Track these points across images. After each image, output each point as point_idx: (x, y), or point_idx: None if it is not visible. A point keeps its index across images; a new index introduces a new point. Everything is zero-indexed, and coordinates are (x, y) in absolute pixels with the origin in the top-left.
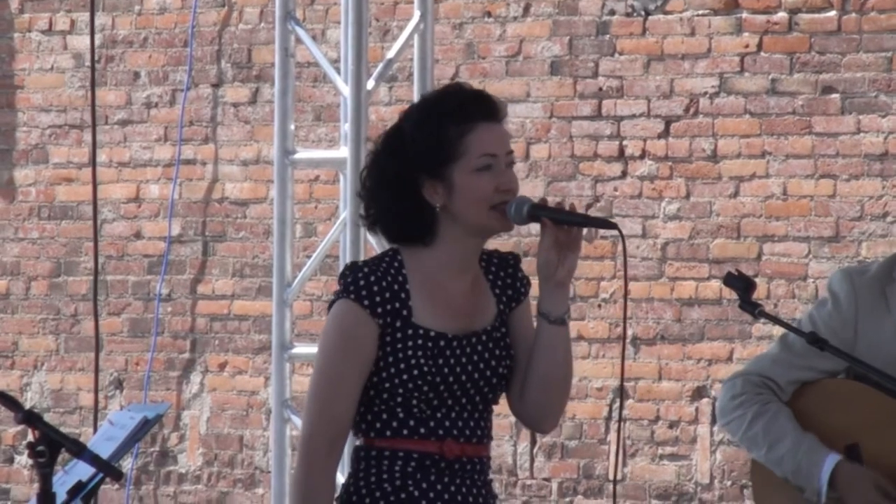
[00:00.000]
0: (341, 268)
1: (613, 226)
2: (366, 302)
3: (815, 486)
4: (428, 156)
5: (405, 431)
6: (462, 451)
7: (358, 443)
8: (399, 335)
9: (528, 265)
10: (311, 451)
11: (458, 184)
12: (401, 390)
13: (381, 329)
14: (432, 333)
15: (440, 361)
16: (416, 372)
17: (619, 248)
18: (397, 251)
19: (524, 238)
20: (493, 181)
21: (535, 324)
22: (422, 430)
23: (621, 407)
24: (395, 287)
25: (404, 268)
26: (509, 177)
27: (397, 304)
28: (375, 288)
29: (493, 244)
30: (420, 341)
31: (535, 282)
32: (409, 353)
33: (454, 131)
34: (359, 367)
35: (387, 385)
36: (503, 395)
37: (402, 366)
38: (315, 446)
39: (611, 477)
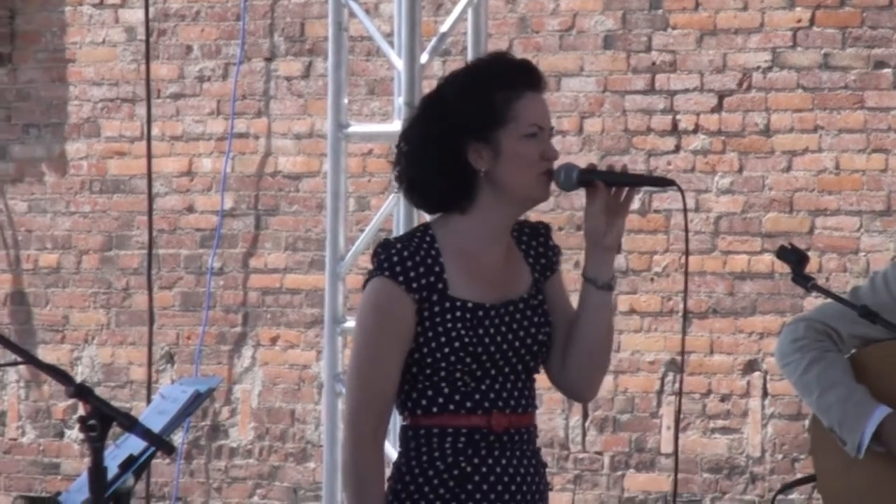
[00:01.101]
0: None
1: (671, 182)
2: (400, 278)
3: (858, 437)
4: (475, 119)
5: (451, 406)
6: (509, 422)
7: (405, 423)
8: (437, 309)
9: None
10: (357, 429)
11: (506, 149)
12: (443, 364)
13: (418, 304)
14: (470, 305)
15: (480, 332)
16: (457, 344)
17: (672, 222)
18: (428, 226)
19: (565, 211)
20: (539, 147)
21: (567, 295)
22: (468, 404)
23: (681, 380)
24: (429, 261)
25: (437, 242)
26: (552, 147)
27: (432, 279)
28: (409, 263)
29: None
30: (458, 313)
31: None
32: (449, 325)
33: (501, 96)
34: (398, 344)
35: (429, 360)
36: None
37: (443, 339)
38: (361, 425)
39: (663, 450)
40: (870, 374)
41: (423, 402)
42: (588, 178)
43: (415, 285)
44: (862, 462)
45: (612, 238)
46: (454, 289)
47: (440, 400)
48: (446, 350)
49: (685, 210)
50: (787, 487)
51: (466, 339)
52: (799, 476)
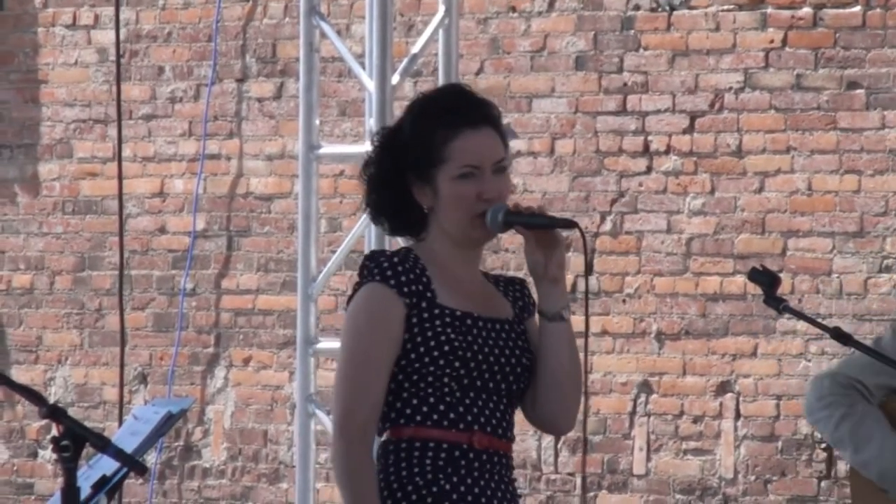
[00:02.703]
0: None
1: (574, 224)
2: (392, 282)
3: None
4: (416, 157)
5: (435, 416)
6: (490, 443)
7: (383, 438)
8: (426, 315)
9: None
10: (347, 432)
11: (442, 189)
12: (431, 368)
13: (408, 309)
14: (458, 313)
15: (469, 338)
16: (446, 347)
17: (644, 243)
18: (410, 249)
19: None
20: (474, 188)
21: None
22: (451, 416)
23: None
24: (417, 271)
25: (421, 260)
26: (493, 184)
27: (421, 287)
28: (399, 269)
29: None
30: (448, 319)
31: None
32: (438, 329)
33: (440, 136)
34: (388, 347)
35: (416, 366)
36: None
37: (432, 343)
38: (350, 427)
39: (635, 472)
40: None
41: (407, 411)
42: (510, 221)
43: (405, 290)
44: None
45: (553, 270)
46: (442, 299)
47: (424, 409)
48: (435, 353)
49: (585, 249)
50: None
51: (456, 344)
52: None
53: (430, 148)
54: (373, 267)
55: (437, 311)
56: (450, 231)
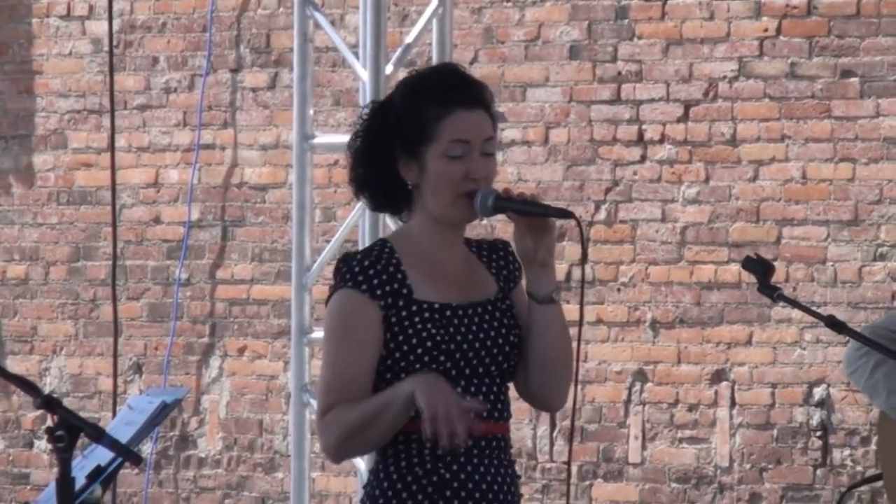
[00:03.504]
0: None
1: (571, 215)
2: (364, 287)
3: None
4: (405, 134)
5: None
6: (486, 428)
7: None
8: (404, 313)
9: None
10: (326, 438)
11: (429, 166)
12: (417, 366)
13: (384, 311)
14: (436, 305)
15: (451, 330)
16: (429, 343)
17: (638, 232)
18: (385, 240)
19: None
20: (462, 168)
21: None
22: None
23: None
24: (391, 269)
25: (396, 253)
26: (482, 165)
27: (396, 285)
28: (371, 272)
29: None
30: (427, 314)
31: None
32: (419, 326)
33: (431, 113)
34: (367, 352)
35: (402, 364)
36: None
37: (414, 340)
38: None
39: (631, 460)
40: None
41: None
42: (501, 206)
43: (379, 292)
44: None
45: (542, 255)
46: (419, 293)
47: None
48: (419, 351)
49: (583, 241)
50: (855, 486)
51: (438, 338)
52: (765, 483)
53: (420, 124)
54: (345, 272)
55: (414, 308)
56: (433, 210)
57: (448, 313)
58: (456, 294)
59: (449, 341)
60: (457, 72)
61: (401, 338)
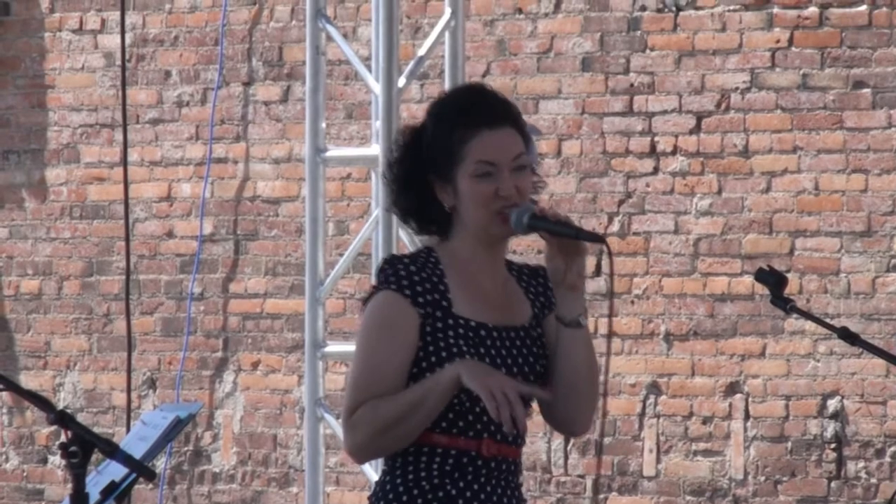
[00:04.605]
0: (374, 265)
1: (602, 240)
2: (407, 291)
3: None
4: (436, 158)
5: (444, 424)
6: (498, 450)
7: None
8: (440, 325)
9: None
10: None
11: (461, 188)
12: None
13: (422, 319)
14: (473, 323)
15: (481, 350)
16: (457, 360)
17: (652, 244)
18: (432, 249)
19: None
20: (491, 187)
21: None
22: (460, 424)
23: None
24: (434, 279)
25: (440, 263)
26: (512, 182)
27: (437, 296)
28: (416, 278)
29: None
30: (461, 330)
31: None
32: (451, 341)
33: (458, 135)
34: (401, 354)
35: (427, 375)
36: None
37: (444, 354)
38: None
39: (645, 473)
40: None
41: None
42: (535, 225)
43: (420, 300)
44: None
45: (572, 278)
46: (458, 307)
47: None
48: (447, 365)
49: (612, 267)
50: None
51: (467, 357)
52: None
53: (448, 147)
54: (390, 273)
55: (451, 322)
56: (471, 229)
57: (483, 333)
58: (492, 315)
59: (479, 360)
60: (480, 91)
61: (431, 348)
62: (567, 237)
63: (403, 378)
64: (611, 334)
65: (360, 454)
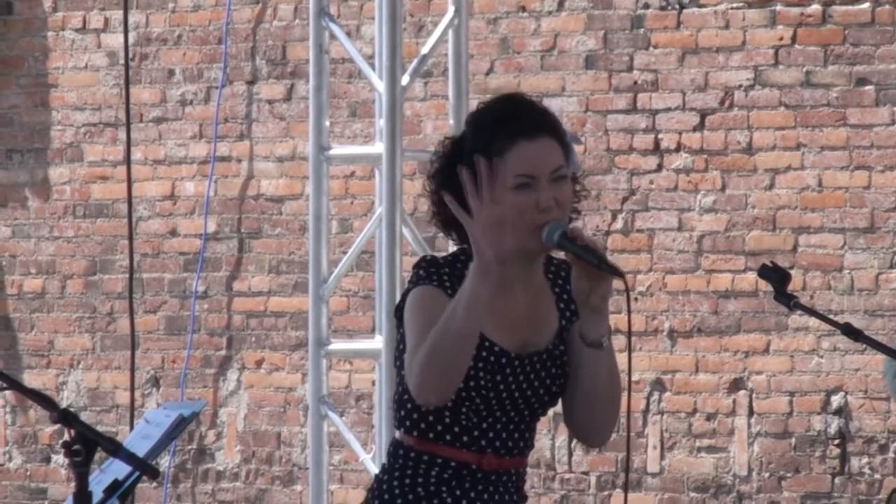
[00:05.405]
0: (377, 263)
1: (620, 275)
2: (449, 291)
3: None
4: (474, 169)
5: (448, 437)
6: (500, 464)
7: (397, 436)
8: None
9: None
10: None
11: (501, 199)
12: (453, 398)
13: None
14: (496, 349)
15: (498, 378)
16: (472, 384)
17: (655, 241)
18: (470, 255)
19: None
20: (531, 198)
21: None
22: (464, 439)
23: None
24: None
25: None
26: (552, 194)
27: None
28: (455, 278)
29: None
30: (484, 353)
31: None
32: (471, 363)
33: (495, 148)
34: None
35: None
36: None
37: None
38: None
39: (649, 470)
40: None
41: (422, 425)
42: (563, 245)
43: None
44: None
45: (595, 300)
46: (484, 326)
47: (438, 428)
48: (460, 386)
49: (629, 300)
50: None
51: (482, 381)
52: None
53: (486, 159)
54: (432, 272)
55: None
56: (511, 243)
57: (504, 360)
58: (515, 339)
59: (491, 388)
60: (519, 101)
61: None
62: (589, 264)
63: None
64: (630, 372)
65: (422, 392)
